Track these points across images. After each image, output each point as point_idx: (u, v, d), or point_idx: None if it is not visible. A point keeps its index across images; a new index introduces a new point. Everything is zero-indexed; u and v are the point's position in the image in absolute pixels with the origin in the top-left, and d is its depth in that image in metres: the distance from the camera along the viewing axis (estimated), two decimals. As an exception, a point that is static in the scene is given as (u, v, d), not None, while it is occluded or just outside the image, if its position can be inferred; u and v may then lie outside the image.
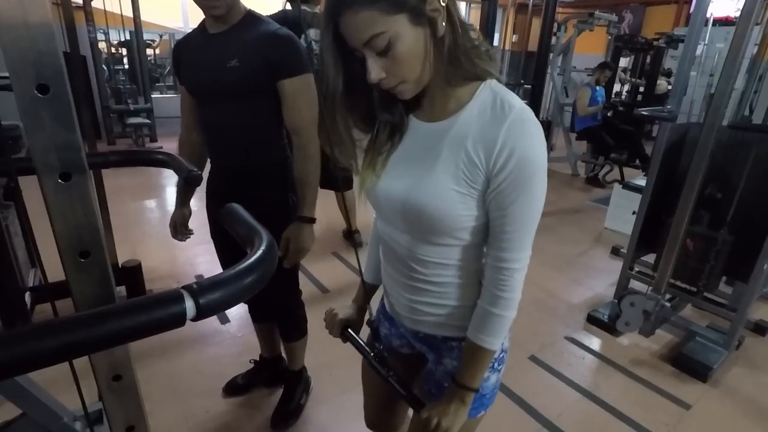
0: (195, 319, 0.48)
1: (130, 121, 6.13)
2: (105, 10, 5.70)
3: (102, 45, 6.45)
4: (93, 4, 5.69)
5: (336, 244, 3.38)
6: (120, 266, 2.48)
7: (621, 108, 5.98)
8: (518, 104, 0.69)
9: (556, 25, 5.02)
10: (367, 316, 1.01)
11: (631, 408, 1.93)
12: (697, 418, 1.90)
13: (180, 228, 1.63)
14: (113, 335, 0.43)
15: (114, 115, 6.32)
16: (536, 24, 5.13)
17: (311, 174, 1.38)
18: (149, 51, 7.41)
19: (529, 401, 1.93)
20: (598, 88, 5.23)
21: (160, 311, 0.46)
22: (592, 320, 2.54)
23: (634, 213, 2.50)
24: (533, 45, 4.19)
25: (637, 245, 2.48)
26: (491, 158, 0.68)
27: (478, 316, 0.79)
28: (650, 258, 2.51)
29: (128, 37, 6.47)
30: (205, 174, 1.41)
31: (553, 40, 4.94)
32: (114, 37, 6.54)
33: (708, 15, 3.88)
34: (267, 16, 1.37)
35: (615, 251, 3.43)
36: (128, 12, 6.01)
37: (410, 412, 1.02)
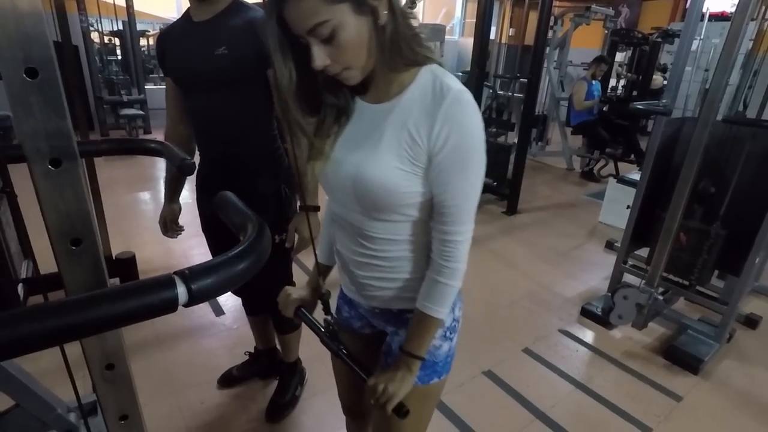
0: (187, 305, 0.48)
1: (124, 113, 6.06)
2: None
3: (94, 35, 6.35)
4: (85, -8, 5.61)
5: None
6: (114, 258, 2.47)
7: (616, 100, 5.98)
8: (456, 86, 0.71)
9: (552, 18, 5.00)
10: (322, 293, 1.00)
11: (624, 400, 1.95)
12: (688, 410, 1.93)
13: (170, 225, 1.60)
14: (105, 320, 0.43)
15: (107, 106, 6.24)
16: (533, 17, 5.11)
17: None
18: (143, 41, 7.32)
19: (523, 393, 1.95)
20: (594, 82, 5.22)
21: (151, 296, 0.45)
22: (586, 313, 2.56)
23: (628, 207, 2.51)
24: (530, 39, 4.17)
25: (631, 239, 2.50)
26: (431, 137, 0.71)
27: (425, 285, 0.83)
28: (644, 252, 2.53)
29: (121, 27, 6.39)
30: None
31: (550, 33, 4.92)
32: (107, 27, 6.44)
33: (704, 10, 3.88)
34: (253, 3, 1.34)
35: (609, 245, 3.45)
36: (121, 1, 5.93)
37: None
